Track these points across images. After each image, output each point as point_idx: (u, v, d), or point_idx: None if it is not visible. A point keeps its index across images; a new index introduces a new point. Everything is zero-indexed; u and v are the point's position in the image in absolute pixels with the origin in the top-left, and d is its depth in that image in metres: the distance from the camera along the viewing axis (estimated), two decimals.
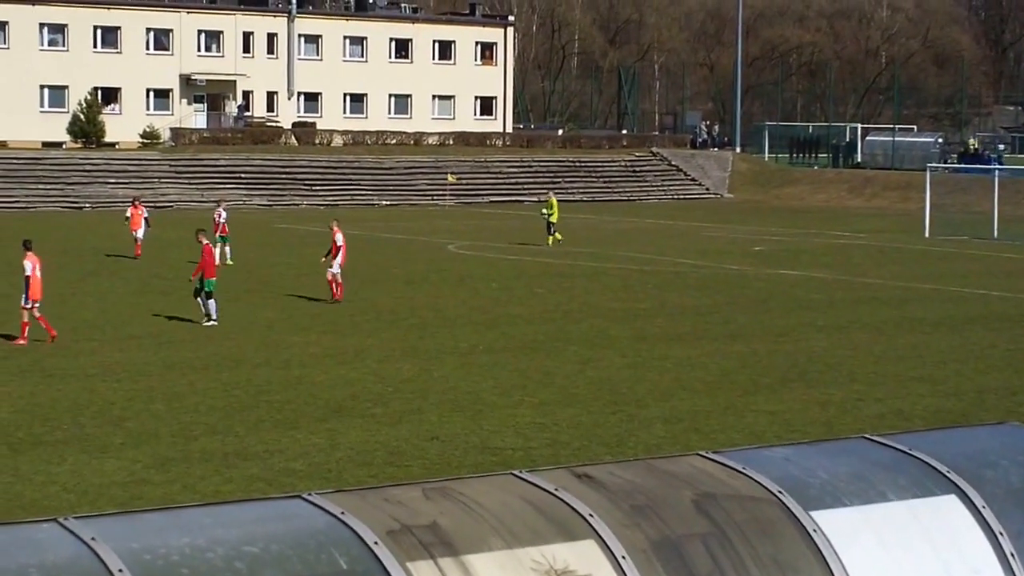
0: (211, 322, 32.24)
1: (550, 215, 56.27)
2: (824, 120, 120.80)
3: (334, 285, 37.24)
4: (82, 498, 17.50)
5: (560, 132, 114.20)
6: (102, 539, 7.51)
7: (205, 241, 33.74)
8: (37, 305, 29.37)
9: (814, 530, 8.74)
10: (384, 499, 8.85)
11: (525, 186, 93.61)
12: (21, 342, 29.09)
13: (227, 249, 46.91)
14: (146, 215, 48.74)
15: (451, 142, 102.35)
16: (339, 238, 37.61)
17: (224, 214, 47.95)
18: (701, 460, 9.36)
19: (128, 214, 48.87)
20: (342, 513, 8.39)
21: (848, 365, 28.40)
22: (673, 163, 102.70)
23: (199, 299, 32.69)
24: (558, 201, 58.53)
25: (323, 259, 38.45)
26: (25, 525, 7.63)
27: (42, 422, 21.92)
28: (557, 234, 55.95)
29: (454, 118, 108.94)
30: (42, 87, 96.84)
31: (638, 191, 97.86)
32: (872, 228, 67.65)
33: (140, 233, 48.14)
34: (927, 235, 62.44)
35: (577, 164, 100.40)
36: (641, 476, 9.27)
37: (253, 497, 12.39)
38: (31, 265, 29.44)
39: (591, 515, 8.64)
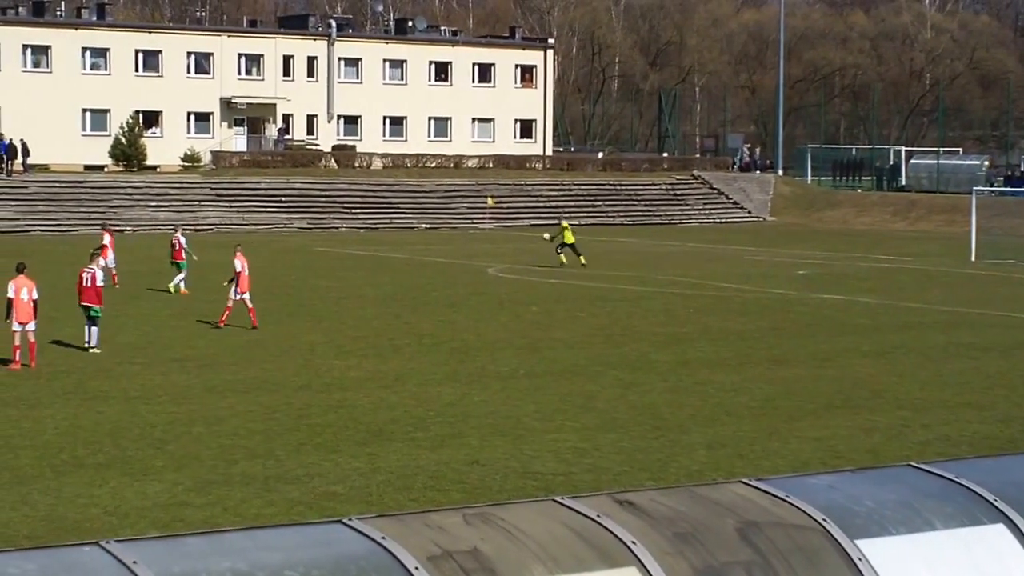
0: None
1: (558, 237, 56.53)
2: (868, 143, 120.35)
3: (252, 313, 36.07)
4: (123, 520, 17.50)
5: (600, 155, 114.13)
6: (144, 563, 7.50)
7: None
8: (27, 327, 29.42)
9: (859, 559, 8.65)
10: (425, 524, 8.81)
11: (565, 209, 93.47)
12: (15, 367, 29.20)
13: (180, 277, 44.70)
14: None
15: (491, 165, 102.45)
16: (237, 264, 36.43)
17: (183, 239, 45.68)
18: (744, 487, 9.28)
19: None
20: (383, 538, 8.36)
21: (894, 391, 28.20)
22: (714, 186, 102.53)
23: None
24: (571, 225, 58.87)
25: (225, 283, 37.59)
26: (67, 548, 7.62)
27: (84, 444, 21.96)
28: (563, 255, 56.04)
29: (494, 141, 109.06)
30: (84, 111, 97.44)
31: (679, 214, 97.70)
32: (917, 252, 67.31)
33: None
34: (973, 259, 62.09)
35: (618, 187, 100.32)
36: (684, 503, 9.20)
37: (294, 522, 12.37)
38: (13, 288, 29.55)
39: (634, 542, 8.58)
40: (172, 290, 44.21)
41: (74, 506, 18.29)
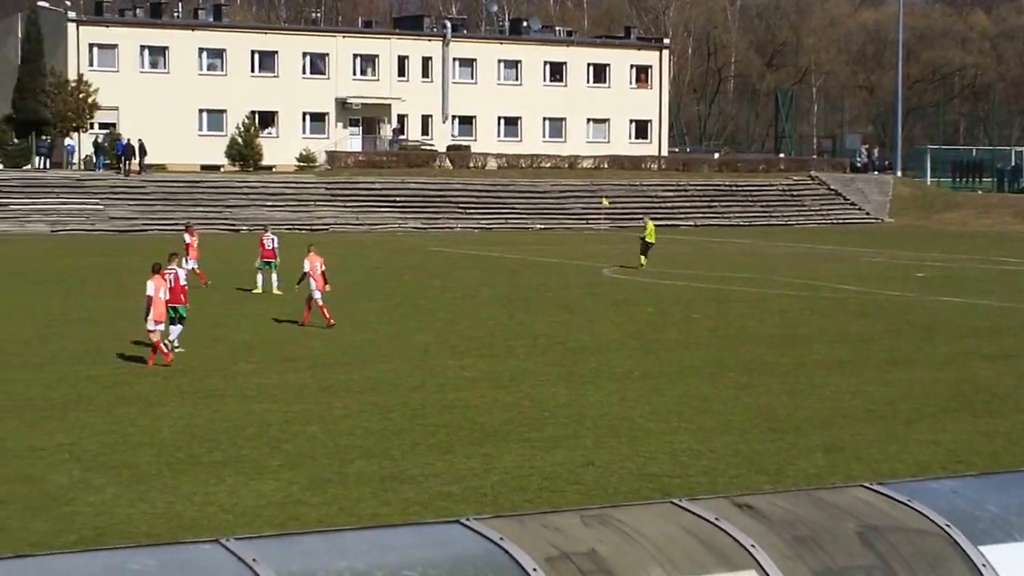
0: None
1: (646, 237, 56.26)
2: (987, 143, 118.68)
3: (324, 311, 36.24)
4: (240, 519, 17.61)
5: (716, 156, 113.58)
6: (263, 561, 7.51)
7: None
8: (160, 326, 29.71)
9: (983, 565, 8.47)
10: (542, 525, 8.76)
11: (681, 210, 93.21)
12: (153, 362, 29.47)
13: (272, 277, 44.33)
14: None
15: (606, 165, 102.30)
16: (306, 264, 36.65)
17: (275, 239, 45.12)
18: (865, 491, 9.14)
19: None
20: (501, 539, 8.32)
21: (1015, 395, 27.71)
22: (832, 187, 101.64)
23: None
24: (655, 226, 58.50)
25: (296, 285, 38.06)
26: (188, 545, 7.64)
27: (201, 443, 22.15)
28: (643, 258, 55.78)
29: (609, 141, 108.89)
30: (201, 111, 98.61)
31: (796, 215, 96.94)
32: None
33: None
34: None
35: (733, 188, 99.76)
36: (803, 507, 9.08)
37: (411, 521, 12.35)
38: (154, 286, 29.78)
39: (753, 546, 8.48)
40: (266, 290, 44.33)
41: (191, 504, 18.44)
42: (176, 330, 31.00)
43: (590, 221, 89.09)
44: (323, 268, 36.75)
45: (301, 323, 36.30)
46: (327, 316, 36.09)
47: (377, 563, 7.99)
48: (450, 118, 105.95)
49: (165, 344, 29.74)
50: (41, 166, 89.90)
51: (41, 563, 6.96)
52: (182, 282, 31.39)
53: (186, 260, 41.28)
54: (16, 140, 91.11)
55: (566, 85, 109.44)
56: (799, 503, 9.17)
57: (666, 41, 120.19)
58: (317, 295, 36.37)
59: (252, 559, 7.53)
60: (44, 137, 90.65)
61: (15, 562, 6.77)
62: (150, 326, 29.47)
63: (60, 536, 16.80)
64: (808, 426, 24.22)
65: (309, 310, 36.54)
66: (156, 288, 29.56)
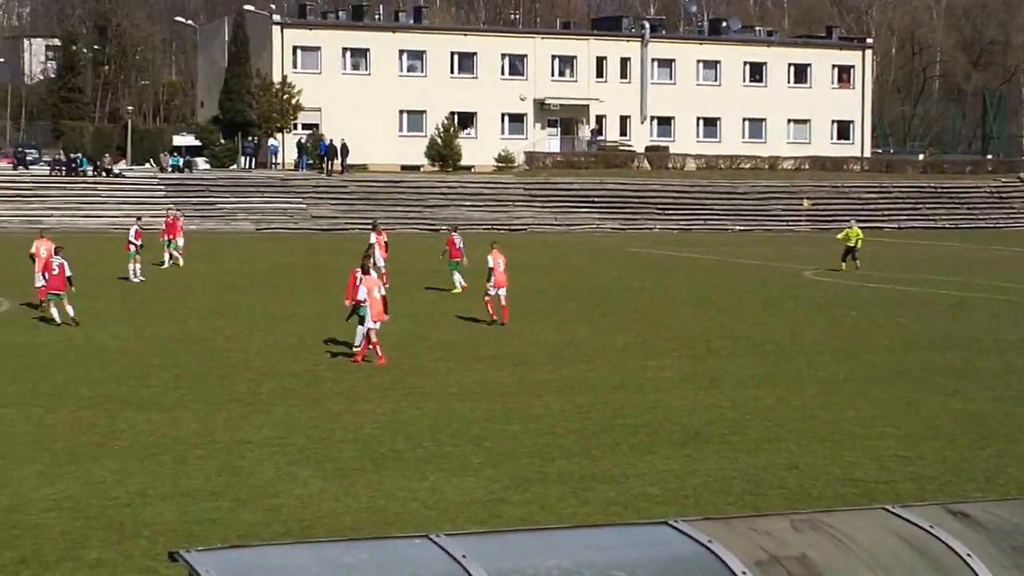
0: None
1: (848, 241, 55.28)
2: None
3: (490, 307, 36.42)
4: (443, 515, 17.68)
5: (921, 157, 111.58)
6: (472, 557, 7.51)
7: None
8: (377, 327, 29.88)
9: None
10: (751, 528, 8.64)
11: (884, 212, 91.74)
12: (380, 362, 29.70)
13: (457, 276, 44.97)
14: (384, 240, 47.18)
15: (806, 167, 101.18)
16: (490, 260, 36.56)
17: (459, 238, 45.89)
18: None
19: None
20: (709, 541, 8.24)
21: None
22: None
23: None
24: (862, 229, 57.49)
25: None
26: (398, 540, 7.67)
27: (404, 439, 22.31)
28: (857, 261, 54.75)
29: (810, 142, 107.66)
30: (401, 112, 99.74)
31: (1004, 218, 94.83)
32: None
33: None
34: None
35: (939, 190, 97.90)
36: (1021, 515, 8.85)
37: (618, 521, 12.33)
38: (366, 289, 29.98)
39: (969, 555, 8.29)
40: (456, 289, 44.59)
41: (394, 499, 18.57)
42: (360, 331, 30.97)
43: (790, 223, 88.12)
44: (505, 265, 36.85)
45: (493, 321, 36.36)
46: (497, 313, 36.22)
47: (585, 562, 7.95)
48: (648, 119, 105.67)
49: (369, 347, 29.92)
50: (246, 166, 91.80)
51: (259, 554, 7.04)
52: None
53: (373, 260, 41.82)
54: (223, 141, 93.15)
55: (766, 85, 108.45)
56: (1017, 511, 8.95)
57: (869, 41, 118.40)
58: (498, 291, 36.46)
59: (462, 555, 7.55)
60: (250, 138, 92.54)
61: (232, 552, 6.86)
62: (369, 324, 29.76)
63: (268, 528, 17.05)
64: (1020, 433, 23.56)
65: (491, 305, 36.65)
66: (369, 288, 29.87)
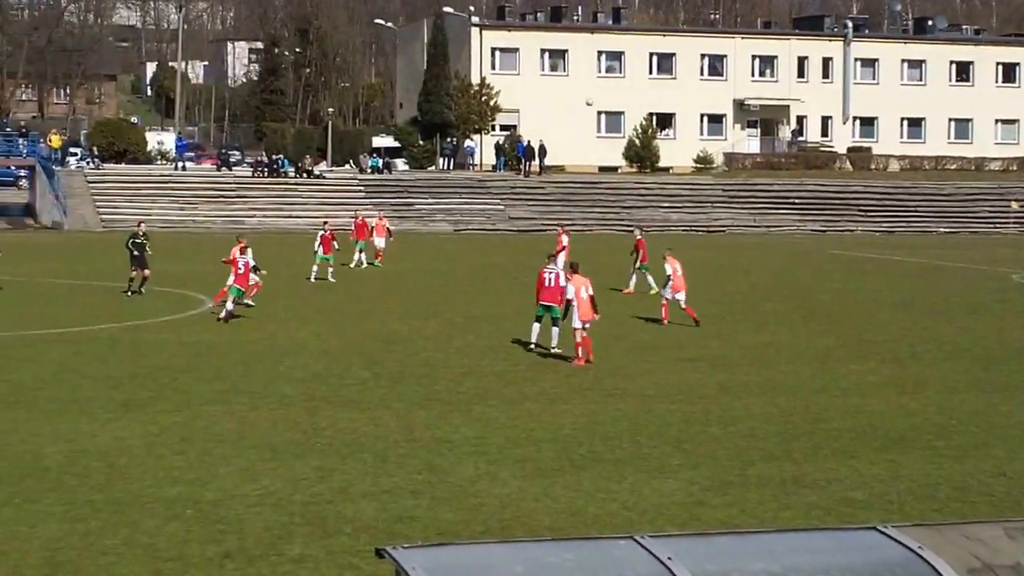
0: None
1: None
2: None
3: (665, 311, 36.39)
4: (642, 517, 17.56)
5: None
6: (678, 559, 7.42)
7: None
8: (585, 327, 29.78)
9: None
10: (963, 535, 8.43)
11: None
12: (579, 363, 29.64)
13: (650, 280, 43.95)
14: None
15: (1015, 168, 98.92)
16: (667, 268, 36.17)
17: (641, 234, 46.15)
18: None
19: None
20: (920, 547, 8.05)
21: None
22: None
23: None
24: None
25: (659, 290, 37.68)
26: (603, 540, 7.59)
27: (602, 440, 22.24)
28: None
29: (1018, 143, 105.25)
30: (599, 113, 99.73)
31: None
32: None
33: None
34: None
35: None
36: None
37: (825, 526, 12.09)
38: (574, 289, 29.88)
39: None
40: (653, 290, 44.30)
41: (593, 500, 18.50)
42: (555, 332, 30.86)
43: (998, 225, 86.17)
44: (681, 270, 36.47)
45: (697, 323, 36.07)
46: (676, 318, 35.99)
47: (793, 566, 7.83)
48: (850, 119, 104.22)
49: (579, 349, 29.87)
50: (445, 167, 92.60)
51: (464, 552, 7.01)
52: (562, 283, 31.13)
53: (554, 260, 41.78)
54: (421, 142, 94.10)
55: (973, 85, 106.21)
56: None
57: None
58: (675, 296, 36.17)
59: (667, 557, 7.46)
60: (448, 139, 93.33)
61: (438, 550, 6.84)
62: (575, 324, 29.76)
63: (467, 527, 17.09)
64: None
65: (665, 309, 36.41)
66: (577, 289, 29.82)
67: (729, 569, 7.76)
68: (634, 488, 19.13)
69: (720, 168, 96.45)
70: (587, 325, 29.74)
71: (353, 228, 53.93)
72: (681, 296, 36.23)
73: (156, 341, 32.37)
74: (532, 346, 31.20)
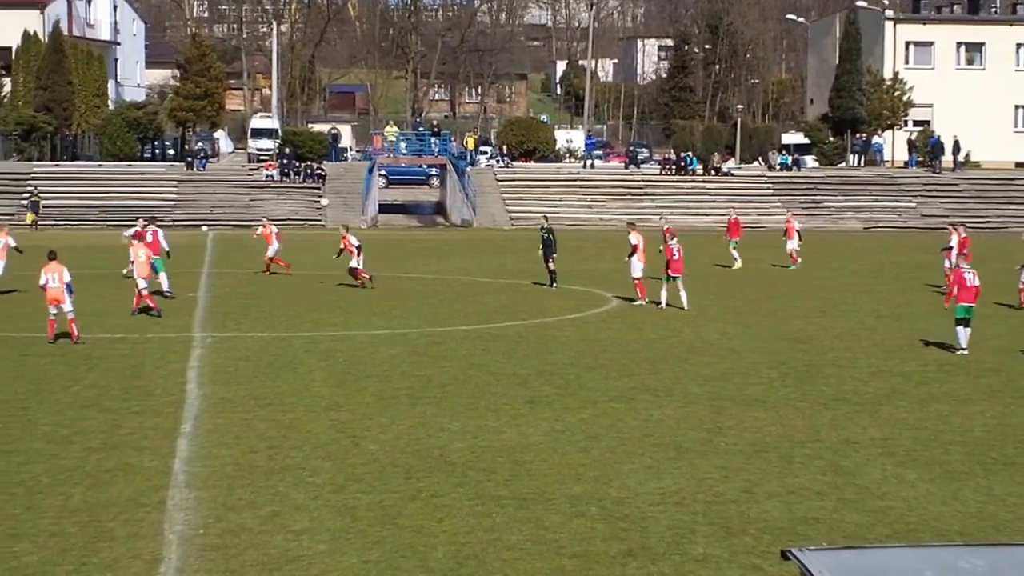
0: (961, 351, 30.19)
1: None
2: None
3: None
4: None
5: None
6: None
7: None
8: None
9: None
10: None
11: None
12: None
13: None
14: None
15: None
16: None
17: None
18: None
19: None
20: None
21: None
22: None
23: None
24: None
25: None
26: (1018, 548, 7.41)
27: (1014, 444, 21.59)
28: None
29: None
30: (1016, 107, 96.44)
31: None
32: None
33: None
34: None
35: None
36: None
37: None
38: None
39: None
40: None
41: (1005, 505, 17.99)
42: (961, 332, 30.36)
43: None
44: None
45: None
46: None
47: None
48: None
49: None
50: (854, 164, 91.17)
51: (871, 556, 6.95)
52: (977, 281, 30.77)
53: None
54: (831, 139, 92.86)
55: None
56: None
57: None
58: None
59: None
60: (858, 135, 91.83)
61: (844, 553, 6.81)
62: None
63: (873, 529, 16.87)
64: None
65: None
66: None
67: None
68: None
69: None
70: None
71: (727, 227, 53.37)
72: None
73: (562, 338, 32.95)
74: (961, 351, 30.44)
